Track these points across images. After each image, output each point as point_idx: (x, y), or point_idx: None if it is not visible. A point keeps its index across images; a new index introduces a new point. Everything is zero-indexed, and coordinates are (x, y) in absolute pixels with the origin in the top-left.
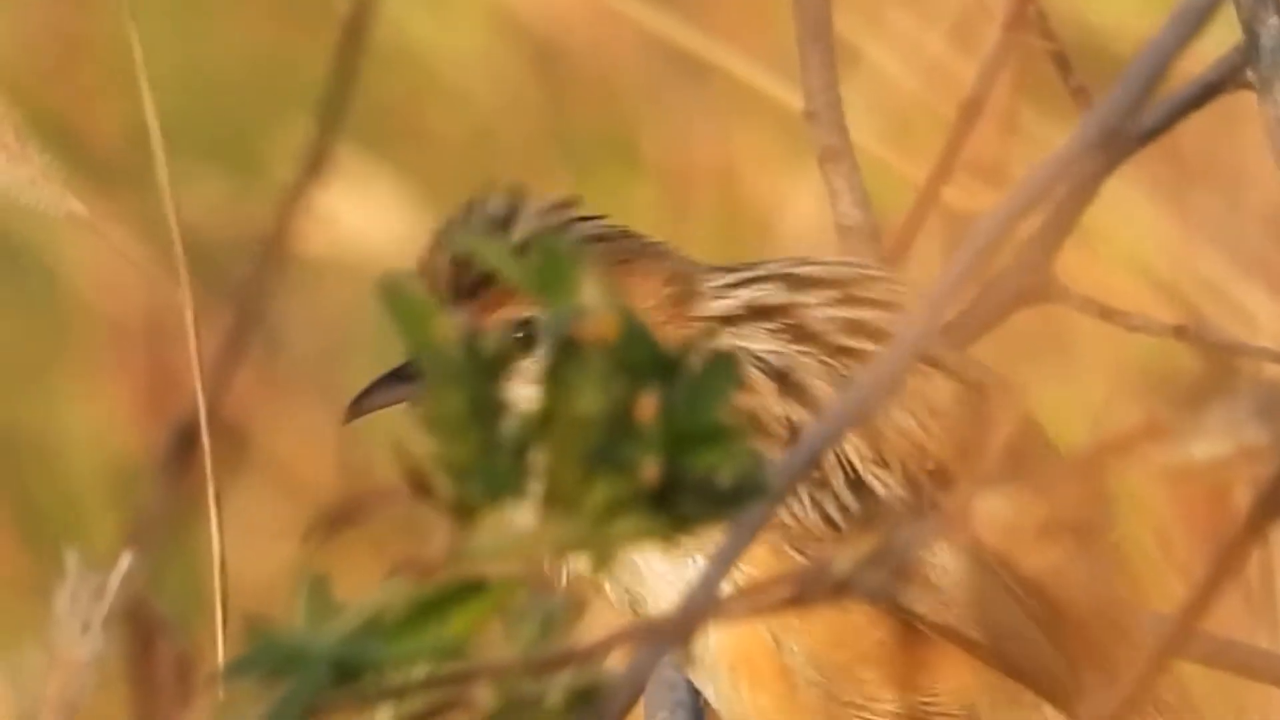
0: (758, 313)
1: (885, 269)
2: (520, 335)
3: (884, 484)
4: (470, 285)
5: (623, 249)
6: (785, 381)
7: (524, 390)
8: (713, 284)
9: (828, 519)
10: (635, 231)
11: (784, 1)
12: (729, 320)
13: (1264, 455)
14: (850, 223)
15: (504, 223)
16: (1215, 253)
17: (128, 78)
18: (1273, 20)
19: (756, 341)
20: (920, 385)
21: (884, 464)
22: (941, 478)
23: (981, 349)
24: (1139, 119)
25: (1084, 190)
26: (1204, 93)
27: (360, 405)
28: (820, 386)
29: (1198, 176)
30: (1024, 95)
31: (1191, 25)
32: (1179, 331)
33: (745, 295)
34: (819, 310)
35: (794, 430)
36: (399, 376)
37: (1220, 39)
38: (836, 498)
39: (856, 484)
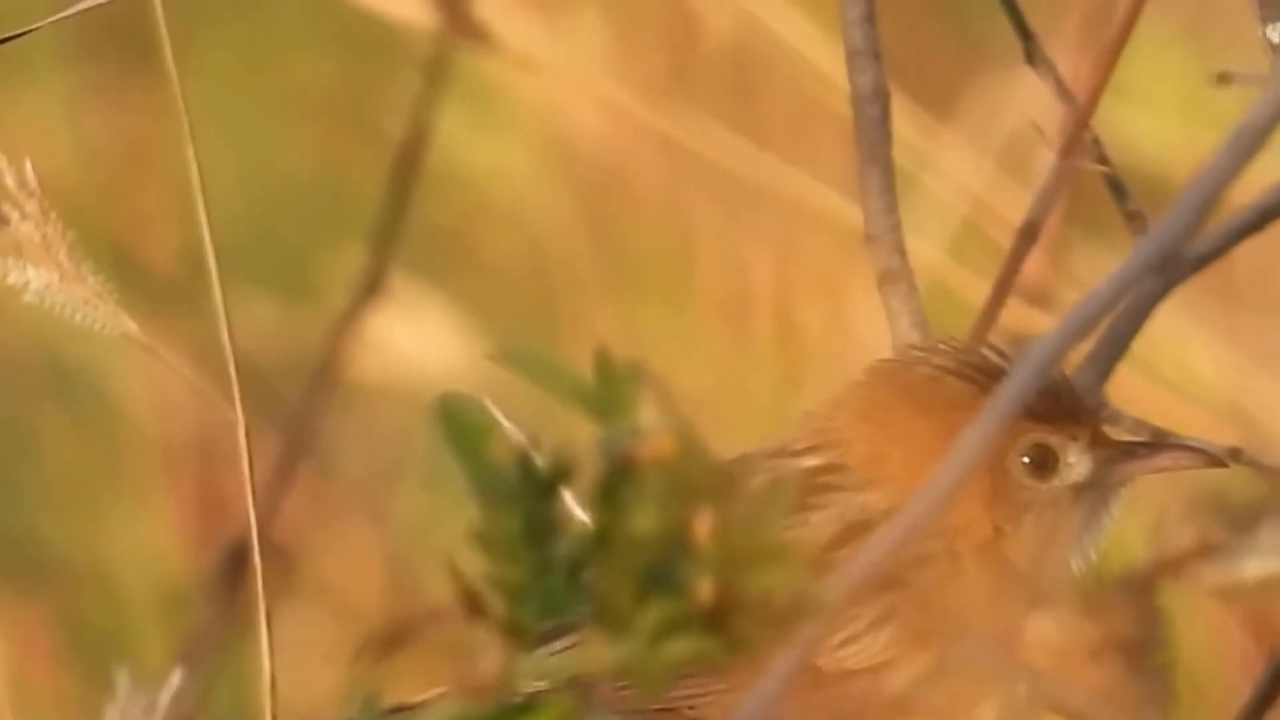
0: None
1: None
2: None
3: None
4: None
5: None
6: None
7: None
8: None
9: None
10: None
11: (841, 126)
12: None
13: None
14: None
15: None
16: (1267, 376)
17: (184, 198)
18: None
19: None
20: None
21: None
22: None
23: None
24: (1193, 244)
25: (1138, 314)
26: (1260, 218)
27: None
28: None
29: (1249, 300)
30: (1078, 220)
31: (1245, 152)
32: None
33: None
34: None
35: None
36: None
37: (1274, 165)
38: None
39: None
